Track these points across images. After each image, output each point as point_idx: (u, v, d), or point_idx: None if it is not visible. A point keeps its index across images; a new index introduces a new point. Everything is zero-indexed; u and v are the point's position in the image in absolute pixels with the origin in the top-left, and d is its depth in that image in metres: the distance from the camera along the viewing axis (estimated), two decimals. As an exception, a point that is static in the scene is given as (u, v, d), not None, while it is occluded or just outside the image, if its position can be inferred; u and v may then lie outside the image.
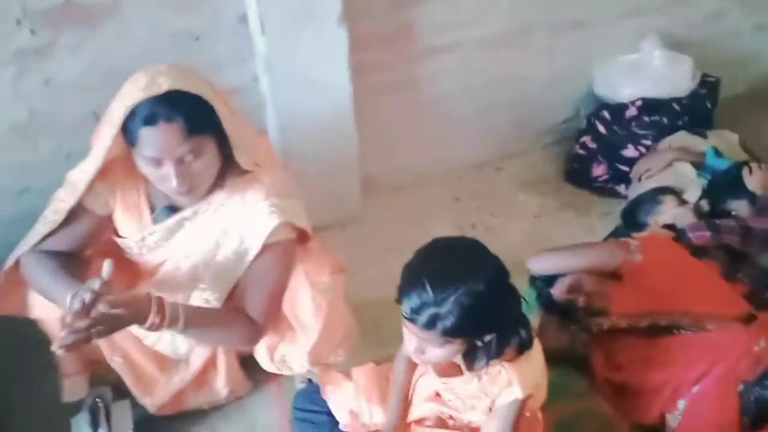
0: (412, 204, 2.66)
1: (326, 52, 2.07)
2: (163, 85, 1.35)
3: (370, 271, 2.25)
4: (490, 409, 1.34)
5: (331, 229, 2.42)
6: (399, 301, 1.21)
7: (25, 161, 2.02)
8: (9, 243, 1.65)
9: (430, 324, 1.17)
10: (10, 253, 1.62)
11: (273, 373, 1.75)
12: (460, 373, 1.34)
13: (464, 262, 1.20)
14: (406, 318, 1.21)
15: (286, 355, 1.64)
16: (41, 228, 1.54)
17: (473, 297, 1.15)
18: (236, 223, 1.52)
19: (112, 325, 1.32)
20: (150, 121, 1.35)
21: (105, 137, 1.43)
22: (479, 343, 1.25)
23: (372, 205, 2.60)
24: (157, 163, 1.40)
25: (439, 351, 1.23)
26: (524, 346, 1.29)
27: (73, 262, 1.56)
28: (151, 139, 1.36)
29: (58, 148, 2.01)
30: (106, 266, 1.37)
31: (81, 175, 1.51)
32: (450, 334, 1.18)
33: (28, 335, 1.66)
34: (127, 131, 1.39)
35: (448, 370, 1.37)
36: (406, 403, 1.52)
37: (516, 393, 1.28)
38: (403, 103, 2.57)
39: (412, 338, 1.24)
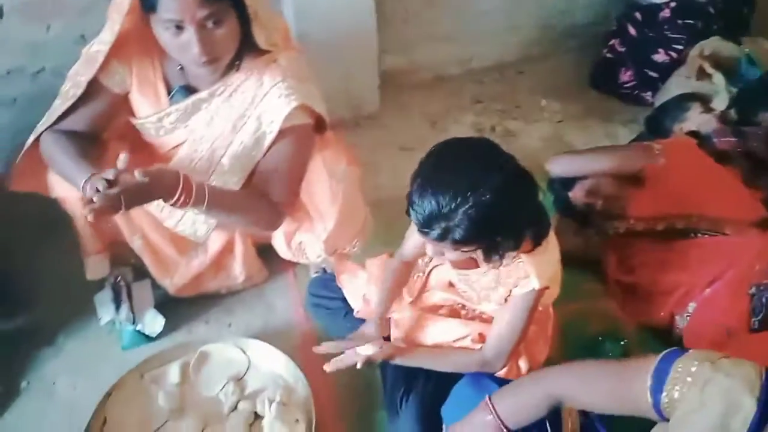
0: (431, 104, 2.61)
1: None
2: None
3: (385, 171, 2.24)
4: (506, 300, 1.36)
5: (347, 126, 2.39)
6: (408, 211, 1.19)
7: (39, 41, 1.98)
8: (29, 124, 1.63)
9: (442, 236, 1.16)
10: (29, 135, 1.62)
11: (289, 262, 1.79)
12: (477, 265, 1.35)
13: (474, 169, 1.14)
14: (416, 226, 1.20)
15: (303, 242, 1.66)
16: (60, 104, 1.52)
17: (483, 206, 1.11)
18: (253, 106, 1.50)
19: (141, 194, 1.31)
20: None
21: (121, 3, 1.39)
22: (495, 243, 1.24)
23: (389, 103, 2.55)
24: (177, 28, 1.36)
25: (455, 254, 1.23)
26: (541, 237, 1.29)
27: (90, 144, 1.55)
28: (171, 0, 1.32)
29: (71, 29, 1.96)
30: (122, 158, 1.35)
31: (98, 46, 1.48)
32: (462, 244, 1.17)
33: (51, 213, 1.69)
34: None
35: (464, 263, 1.38)
36: (393, 298, 1.52)
37: (533, 284, 1.29)
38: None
39: (427, 244, 1.24)
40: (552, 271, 1.34)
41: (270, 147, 1.51)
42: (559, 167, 1.96)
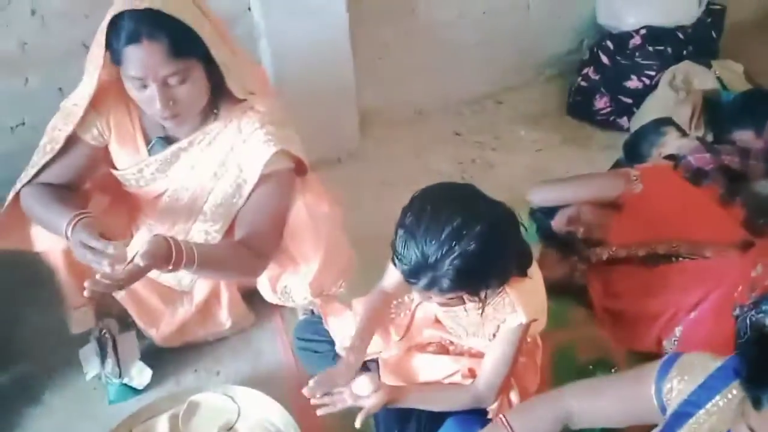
0: (411, 139, 2.64)
1: (321, -25, 2.02)
2: (144, 2, 1.32)
3: (368, 207, 2.25)
4: (494, 336, 1.36)
5: (328, 164, 2.40)
6: (394, 261, 1.19)
7: (17, 95, 1.99)
8: (7, 178, 1.64)
9: (429, 286, 1.17)
10: (9, 189, 1.62)
11: (276, 306, 1.78)
12: (463, 302, 1.35)
13: (457, 217, 1.13)
14: (404, 279, 1.21)
15: (289, 286, 1.65)
16: (39, 159, 1.52)
17: (468, 256, 1.12)
18: (233, 154, 1.51)
19: (139, 275, 1.31)
20: (133, 38, 1.33)
21: (96, 57, 1.41)
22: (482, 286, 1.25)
23: (370, 140, 2.58)
24: (142, 84, 1.38)
25: (443, 299, 1.24)
26: (525, 268, 1.30)
27: (70, 194, 1.55)
28: (135, 56, 1.34)
29: (50, 82, 1.98)
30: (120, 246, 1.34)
31: (75, 100, 1.49)
32: (449, 292, 1.18)
33: (34, 269, 1.68)
34: (113, 50, 1.37)
35: (451, 302, 1.39)
36: (371, 330, 1.49)
37: (520, 317, 1.29)
38: (402, 32, 2.51)
39: (414, 291, 1.25)
40: (538, 301, 1.35)
41: (251, 193, 1.51)
42: (539, 197, 1.99)
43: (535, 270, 1.33)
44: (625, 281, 1.81)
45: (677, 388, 1.03)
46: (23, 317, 1.85)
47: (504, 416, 1.20)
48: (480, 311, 1.29)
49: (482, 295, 1.23)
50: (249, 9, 2.11)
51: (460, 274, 1.13)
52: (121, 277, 1.27)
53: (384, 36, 2.49)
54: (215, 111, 1.51)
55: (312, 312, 1.81)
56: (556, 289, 1.58)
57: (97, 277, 1.26)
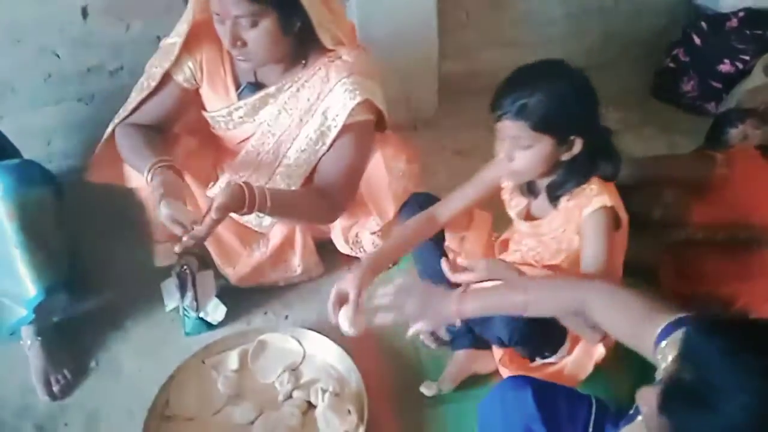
0: (488, 110, 2.61)
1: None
2: None
3: (440, 174, 2.26)
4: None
5: (404, 130, 2.41)
6: (493, 108, 1.27)
7: (118, 41, 2.10)
8: (105, 119, 1.74)
9: (520, 112, 1.23)
10: (104, 129, 1.73)
11: (346, 257, 1.84)
12: (546, 172, 1.34)
13: (552, 66, 1.29)
14: (497, 117, 1.27)
15: (360, 236, 1.70)
16: (135, 95, 1.62)
17: (560, 89, 1.24)
18: (319, 101, 1.55)
19: (216, 224, 1.41)
20: None
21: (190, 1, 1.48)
22: (566, 153, 1.28)
23: (447, 108, 2.57)
24: (220, 19, 1.44)
25: (527, 154, 1.27)
26: (613, 175, 1.33)
27: (158, 137, 1.63)
28: None
29: (149, 30, 2.07)
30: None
31: (173, 38, 1.57)
32: (539, 124, 1.23)
33: (125, 204, 1.80)
34: None
35: (533, 212, 1.42)
36: (404, 247, 1.47)
37: (604, 200, 1.29)
38: (487, 2, 2.49)
39: (502, 143, 1.30)
40: (620, 203, 1.36)
41: (333, 141, 1.56)
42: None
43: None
44: (700, 265, 1.77)
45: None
46: (112, 248, 1.98)
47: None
48: (563, 213, 1.32)
49: (565, 178, 1.28)
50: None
51: (551, 102, 1.22)
52: (202, 235, 1.38)
53: (469, 5, 2.47)
54: (303, 59, 1.56)
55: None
56: (625, 269, 1.56)
57: (184, 239, 1.39)
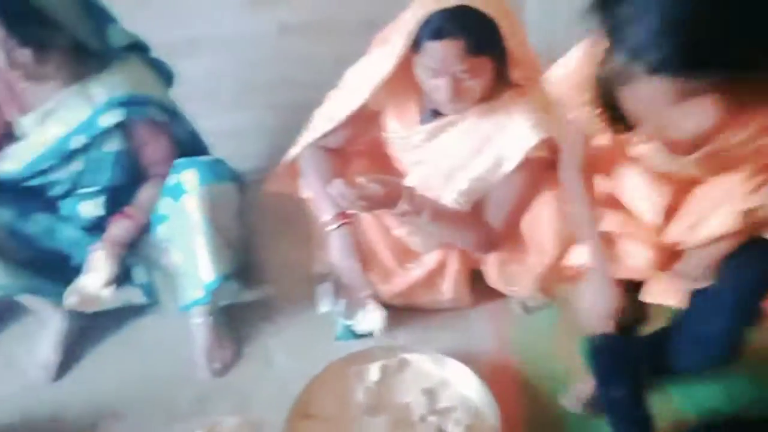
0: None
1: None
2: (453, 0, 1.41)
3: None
4: None
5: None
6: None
7: (309, 56, 2.27)
8: (288, 128, 1.89)
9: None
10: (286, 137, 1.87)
11: (495, 291, 1.83)
12: None
13: None
14: None
15: (515, 273, 1.68)
16: (322, 125, 1.73)
17: None
18: (499, 132, 1.57)
19: (371, 200, 1.48)
20: (437, 35, 1.42)
21: (397, 46, 1.52)
22: None
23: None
24: (434, 73, 1.48)
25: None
26: None
27: (337, 161, 1.74)
28: (435, 52, 1.44)
29: (338, 49, 2.20)
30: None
31: (361, 77, 1.66)
32: None
33: (294, 210, 1.93)
34: (414, 40, 1.48)
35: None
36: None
37: None
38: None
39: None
40: None
41: (507, 174, 1.57)
42: None
43: None
44: None
45: None
46: (276, 248, 2.13)
47: None
48: None
49: None
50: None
51: None
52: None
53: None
54: (489, 91, 1.58)
55: (527, 307, 1.83)
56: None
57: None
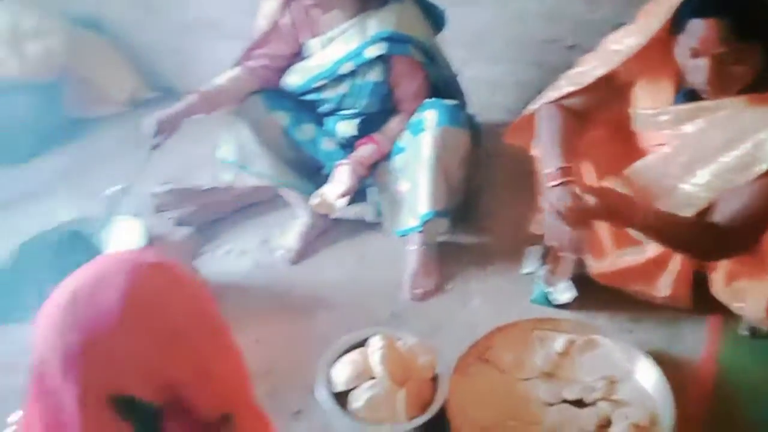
0: None
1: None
2: None
3: None
4: None
5: None
6: None
7: (581, 19, 2.20)
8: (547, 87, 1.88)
9: None
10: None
11: (719, 304, 1.65)
12: None
13: None
14: None
15: (746, 289, 1.50)
16: (565, 85, 1.69)
17: None
18: (760, 128, 1.41)
19: (585, 213, 1.46)
20: (700, 12, 1.34)
21: (657, 19, 1.45)
22: None
23: None
24: (693, 54, 1.38)
25: None
26: None
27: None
28: (696, 30, 1.35)
29: (614, 15, 2.11)
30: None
31: (620, 47, 1.58)
32: None
33: (526, 168, 1.94)
34: (675, 16, 1.40)
35: None
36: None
37: None
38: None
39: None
40: None
41: (757, 178, 1.40)
42: None
43: None
44: None
45: None
46: (501, 201, 2.18)
47: None
48: None
49: None
50: None
51: None
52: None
53: None
54: (753, 84, 1.41)
55: (754, 331, 1.62)
56: None
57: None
